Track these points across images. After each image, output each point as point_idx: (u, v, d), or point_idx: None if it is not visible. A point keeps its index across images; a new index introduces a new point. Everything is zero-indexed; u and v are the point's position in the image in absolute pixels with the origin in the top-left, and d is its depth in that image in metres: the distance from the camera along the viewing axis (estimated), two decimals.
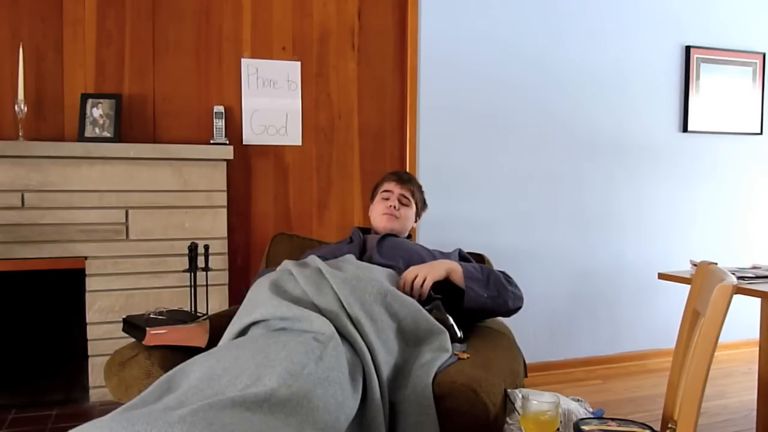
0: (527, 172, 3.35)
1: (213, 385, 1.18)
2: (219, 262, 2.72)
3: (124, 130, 2.72)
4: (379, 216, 2.11)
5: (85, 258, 2.61)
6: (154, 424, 0.95)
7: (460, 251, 2.08)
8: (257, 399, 1.08)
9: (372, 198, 2.25)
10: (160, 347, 1.65)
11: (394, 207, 2.10)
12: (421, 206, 2.24)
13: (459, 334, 1.79)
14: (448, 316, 1.78)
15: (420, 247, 2.00)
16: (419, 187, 2.23)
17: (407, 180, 2.19)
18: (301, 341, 1.30)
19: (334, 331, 1.38)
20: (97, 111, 2.65)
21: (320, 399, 1.16)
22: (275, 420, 1.04)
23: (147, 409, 1.09)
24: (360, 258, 1.91)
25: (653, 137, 3.60)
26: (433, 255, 1.97)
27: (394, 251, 1.91)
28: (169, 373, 1.30)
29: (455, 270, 1.80)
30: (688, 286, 1.49)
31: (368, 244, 1.98)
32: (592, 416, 1.49)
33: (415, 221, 2.21)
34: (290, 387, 1.14)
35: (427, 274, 1.75)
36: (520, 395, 1.43)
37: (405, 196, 2.15)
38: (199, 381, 1.20)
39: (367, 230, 2.17)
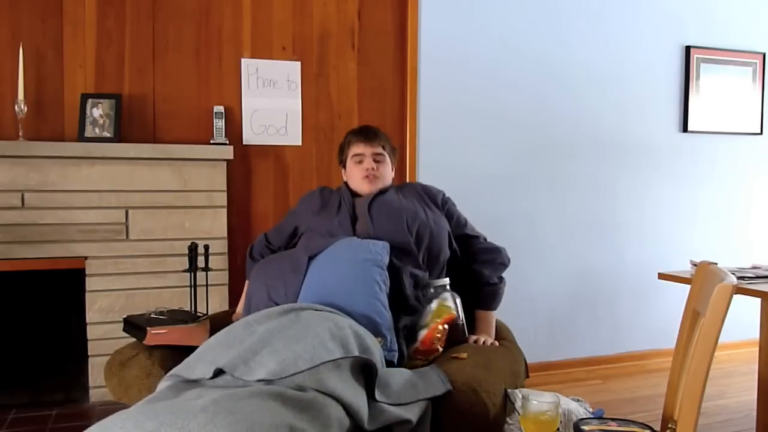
0: (528, 172, 3.35)
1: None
2: (219, 262, 2.72)
3: (124, 130, 2.72)
4: (358, 181, 2.01)
5: (85, 258, 2.61)
6: (177, 414, 1.00)
7: (443, 198, 2.07)
8: (272, 392, 1.12)
9: (341, 161, 2.13)
10: (160, 347, 1.65)
11: (372, 168, 2.00)
12: (394, 154, 2.14)
13: (466, 333, 1.81)
14: (461, 314, 1.80)
15: (408, 201, 1.97)
16: (386, 138, 2.12)
17: (374, 136, 2.06)
18: (318, 333, 1.33)
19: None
20: (97, 111, 2.65)
21: (330, 401, 1.19)
22: (290, 412, 1.08)
23: (169, 402, 1.13)
24: (353, 226, 1.87)
25: (653, 137, 3.60)
26: (425, 201, 1.98)
27: (387, 214, 1.88)
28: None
29: (494, 321, 1.99)
30: (688, 286, 1.48)
31: (358, 211, 1.93)
32: (592, 416, 1.50)
33: (392, 170, 2.13)
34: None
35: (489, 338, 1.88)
36: (520, 395, 1.43)
37: (378, 154, 2.03)
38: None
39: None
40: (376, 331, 1.57)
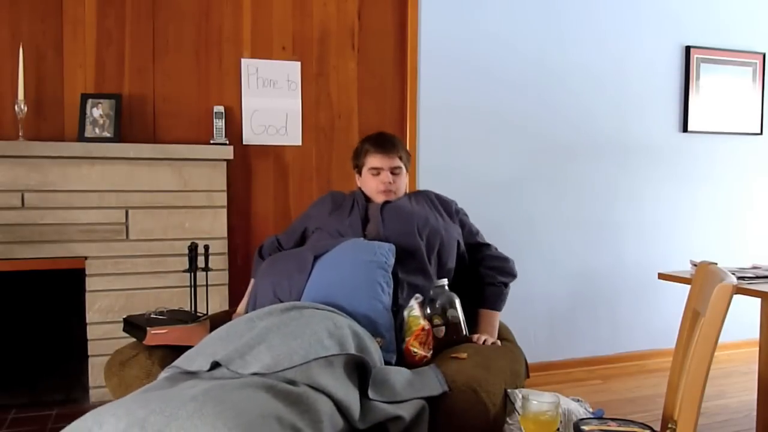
0: (527, 172, 3.35)
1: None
2: (219, 262, 2.72)
3: (124, 130, 2.72)
4: (375, 193, 2.03)
5: (85, 258, 2.61)
6: (168, 403, 1.02)
7: (456, 207, 2.09)
8: (264, 384, 1.13)
9: (356, 167, 2.12)
10: (160, 347, 1.65)
11: (389, 183, 2.01)
12: (409, 161, 2.14)
13: (466, 332, 1.81)
14: (460, 313, 1.80)
15: (420, 206, 1.99)
16: (402, 146, 2.12)
17: (392, 148, 2.05)
18: (316, 330, 1.34)
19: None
20: (97, 111, 2.65)
21: (321, 396, 1.20)
22: (280, 404, 1.09)
23: (162, 391, 1.15)
24: (364, 229, 1.90)
25: (653, 137, 3.60)
26: (437, 209, 1.99)
27: (398, 217, 1.91)
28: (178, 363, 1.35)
29: (498, 320, 1.99)
30: (688, 286, 1.49)
31: (370, 213, 1.96)
32: (592, 416, 1.50)
33: (406, 175, 2.15)
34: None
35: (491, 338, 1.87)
36: (520, 395, 1.43)
37: (395, 167, 2.04)
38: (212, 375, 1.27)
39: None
40: (376, 332, 1.57)
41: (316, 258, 1.78)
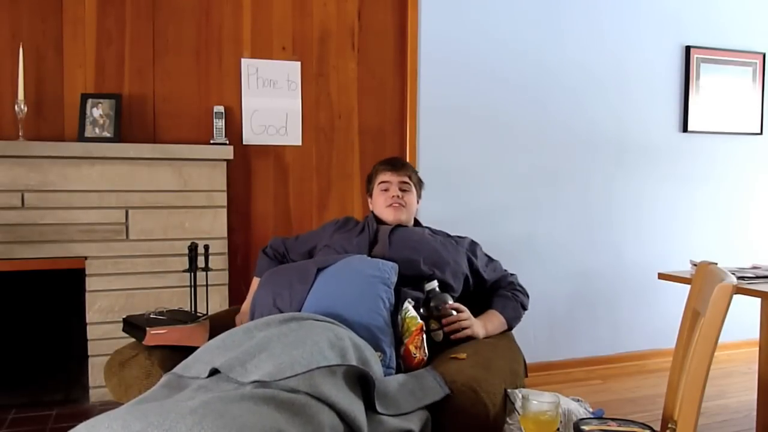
0: (527, 172, 3.35)
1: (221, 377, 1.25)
2: (219, 262, 2.73)
3: (124, 130, 2.72)
4: (384, 209, 2.06)
5: (85, 258, 2.61)
6: (166, 416, 0.99)
7: (471, 243, 2.09)
8: (265, 396, 1.10)
9: (369, 191, 2.18)
10: (160, 347, 1.65)
11: (398, 197, 2.05)
12: (420, 187, 2.19)
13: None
14: (455, 313, 1.79)
15: (430, 236, 2.00)
16: (413, 169, 2.18)
17: (401, 166, 2.13)
18: (317, 341, 1.33)
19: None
20: (97, 111, 2.65)
21: (323, 407, 1.18)
22: (281, 416, 1.07)
23: (159, 403, 1.13)
24: (370, 250, 1.91)
25: (653, 137, 3.60)
26: (444, 245, 1.98)
27: (405, 243, 1.92)
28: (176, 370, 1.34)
29: (500, 327, 1.94)
30: (688, 286, 1.49)
31: (380, 236, 1.97)
32: (592, 416, 1.49)
33: (417, 202, 2.18)
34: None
35: (471, 330, 1.80)
36: (520, 395, 1.43)
37: (404, 182, 2.09)
38: (208, 381, 1.25)
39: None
40: (376, 346, 1.57)
41: (319, 270, 1.78)
